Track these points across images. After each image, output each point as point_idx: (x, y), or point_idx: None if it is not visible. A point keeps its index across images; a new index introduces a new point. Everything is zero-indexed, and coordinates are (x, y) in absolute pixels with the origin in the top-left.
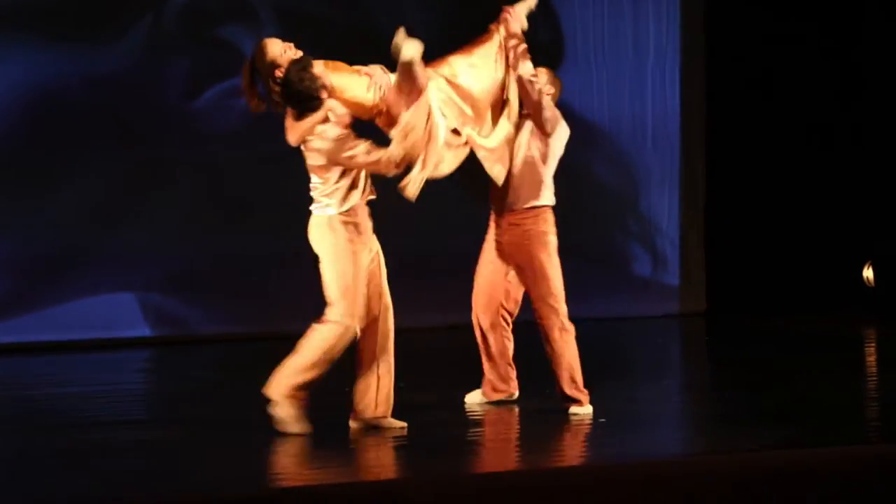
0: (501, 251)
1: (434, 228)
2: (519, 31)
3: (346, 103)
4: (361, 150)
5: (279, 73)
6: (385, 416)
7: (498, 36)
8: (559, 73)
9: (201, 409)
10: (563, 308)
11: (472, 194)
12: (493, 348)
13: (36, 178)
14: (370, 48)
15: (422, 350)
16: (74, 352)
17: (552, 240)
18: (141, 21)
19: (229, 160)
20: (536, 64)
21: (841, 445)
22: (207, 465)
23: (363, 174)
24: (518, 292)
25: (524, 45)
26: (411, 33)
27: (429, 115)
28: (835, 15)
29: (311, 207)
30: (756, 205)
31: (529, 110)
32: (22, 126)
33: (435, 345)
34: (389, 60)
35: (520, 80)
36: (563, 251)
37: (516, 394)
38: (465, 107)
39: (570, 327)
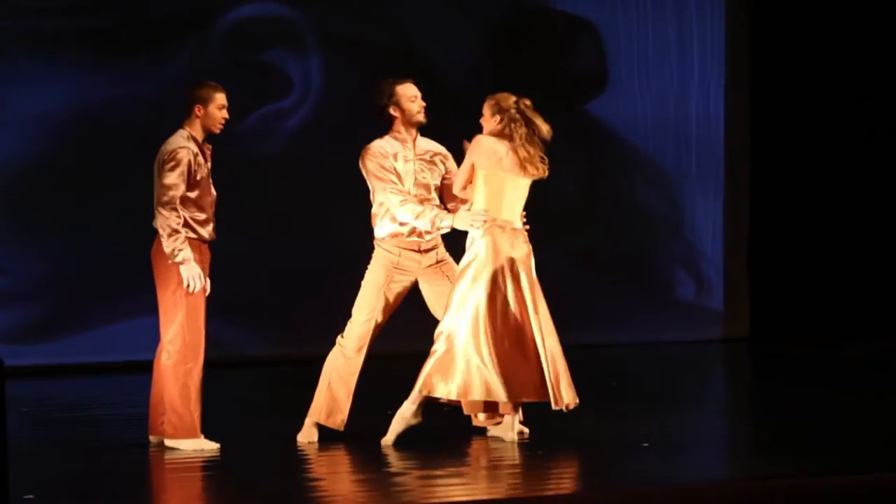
0: None
1: None
2: None
3: None
4: None
5: None
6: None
7: None
8: (603, 98)
9: (241, 430)
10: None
11: None
12: None
13: (78, 200)
14: (412, 71)
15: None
16: (114, 374)
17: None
18: (186, 44)
19: (273, 183)
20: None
21: (884, 472)
22: (246, 486)
23: None
24: None
25: None
26: (454, 56)
27: None
28: (883, 36)
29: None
30: (801, 230)
31: None
32: (66, 148)
33: None
34: (429, 83)
35: None
36: (607, 275)
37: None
38: None
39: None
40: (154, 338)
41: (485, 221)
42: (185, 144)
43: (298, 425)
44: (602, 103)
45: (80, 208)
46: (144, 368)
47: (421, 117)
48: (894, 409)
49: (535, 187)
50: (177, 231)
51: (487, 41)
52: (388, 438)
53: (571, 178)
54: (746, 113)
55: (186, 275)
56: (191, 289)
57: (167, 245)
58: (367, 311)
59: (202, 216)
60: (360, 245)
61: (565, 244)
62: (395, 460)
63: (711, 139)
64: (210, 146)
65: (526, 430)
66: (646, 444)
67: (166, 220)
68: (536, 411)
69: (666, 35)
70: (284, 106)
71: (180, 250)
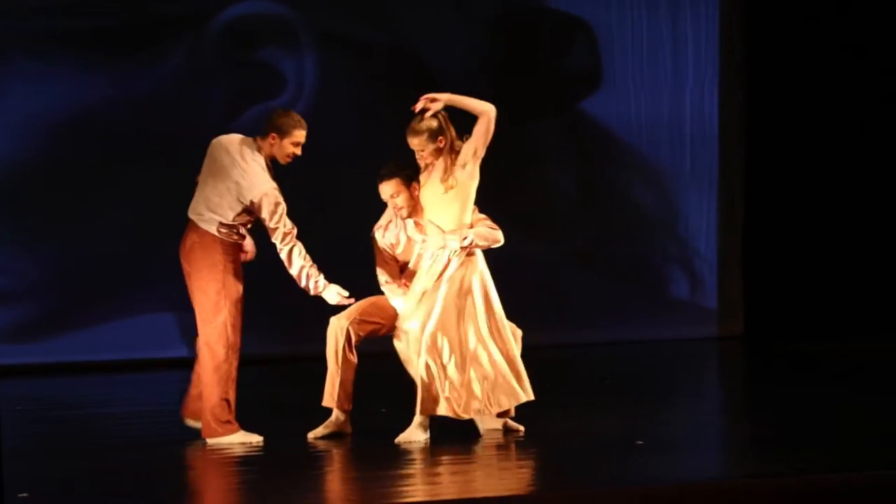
0: None
1: None
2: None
3: None
4: None
5: None
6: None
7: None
8: (597, 97)
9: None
10: None
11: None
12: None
13: (76, 198)
14: (407, 71)
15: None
16: (113, 372)
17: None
18: (181, 43)
19: None
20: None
21: (878, 470)
22: (244, 484)
23: None
24: None
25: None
26: (448, 55)
27: None
28: (879, 32)
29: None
30: (795, 228)
31: None
32: (62, 146)
33: None
34: (424, 82)
35: None
36: (602, 274)
37: None
38: None
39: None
40: (149, 335)
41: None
42: (273, 184)
43: (297, 423)
44: (596, 101)
45: (76, 207)
46: (141, 367)
47: (403, 213)
48: (888, 407)
49: (531, 187)
50: (303, 266)
51: (482, 39)
52: (404, 437)
53: (566, 177)
54: (741, 110)
55: (334, 301)
56: (346, 302)
57: (306, 285)
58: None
59: (250, 225)
60: (355, 243)
61: (560, 242)
62: (392, 459)
63: (706, 137)
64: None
65: (521, 427)
66: (640, 442)
67: (297, 262)
68: (531, 410)
69: (660, 33)
70: (277, 104)
71: (317, 282)
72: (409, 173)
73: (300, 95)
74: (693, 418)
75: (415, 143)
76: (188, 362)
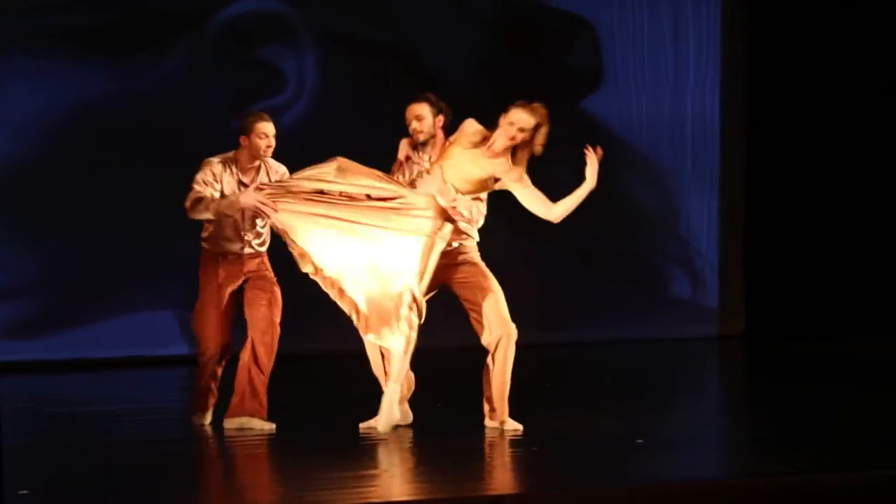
0: None
1: None
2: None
3: None
4: None
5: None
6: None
7: None
8: (598, 95)
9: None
10: None
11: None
12: None
13: (76, 196)
14: (407, 70)
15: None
16: (112, 369)
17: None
18: (182, 41)
19: None
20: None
21: (879, 470)
22: (245, 483)
23: None
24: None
25: None
26: (448, 54)
27: None
28: (880, 29)
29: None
30: (797, 226)
31: None
32: (62, 145)
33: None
34: (424, 81)
35: None
36: (603, 273)
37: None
38: None
39: None
40: (150, 333)
41: None
42: (202, 176)
43: (297, 423)
44: (597, 100)
45: (76, 206)
46: (141, 364)
47: (420, 137)
48: (889, 407)
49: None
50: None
51: (482, 39)
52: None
53: (567, 176)
54: (742, 109)
55: (247, 204)
56: (267, 211)
57: (206, 212)
58: None
59: (229, 232)
60: None
61: (561, 242)
62: (390, 457)
63: (707, 136)
64: (258, 166)
65: (519, 427)
66: (640, 441)
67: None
68: (531, 409)
69: (661, 32)
70: (278, 102)
71: (210, 204)
72: (442, 105)
73: (301, 94)
74: (693, 417)
75: (524, 120)
76: (188, 360)
